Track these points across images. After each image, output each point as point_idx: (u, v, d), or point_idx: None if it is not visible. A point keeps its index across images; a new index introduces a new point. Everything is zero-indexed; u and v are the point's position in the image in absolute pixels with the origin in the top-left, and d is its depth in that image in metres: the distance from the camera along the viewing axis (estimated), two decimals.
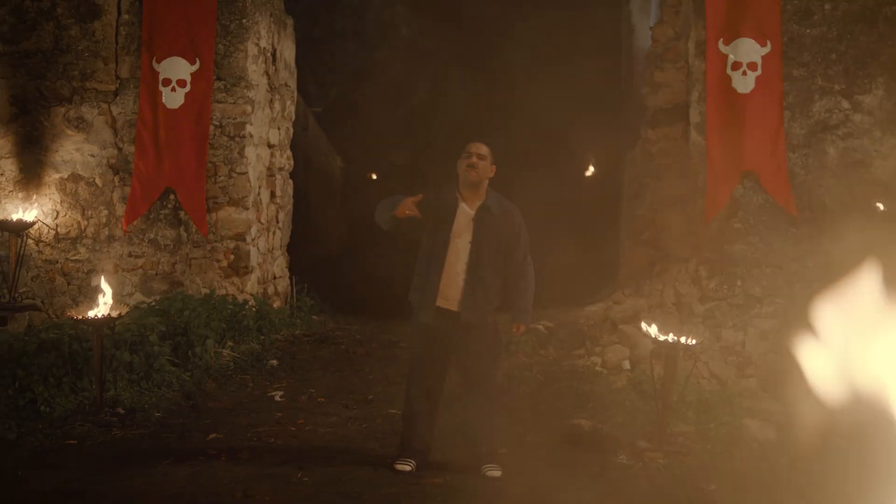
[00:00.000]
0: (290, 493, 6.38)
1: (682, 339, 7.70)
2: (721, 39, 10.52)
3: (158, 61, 11.58)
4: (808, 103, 10.52)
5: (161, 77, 11.59)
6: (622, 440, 7.88)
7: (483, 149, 7.04)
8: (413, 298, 7.12)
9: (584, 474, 7.05)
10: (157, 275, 11.71)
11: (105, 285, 8.56)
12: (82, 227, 11.78)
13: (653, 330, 7.85)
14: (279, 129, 13.28)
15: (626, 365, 10.26)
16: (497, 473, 6.88)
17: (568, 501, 6.44)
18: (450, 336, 7.01)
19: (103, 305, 8.33)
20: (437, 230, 6.97)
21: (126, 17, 11.75)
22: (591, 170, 26.00)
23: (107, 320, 8.23)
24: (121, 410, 8.25)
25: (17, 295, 11.15)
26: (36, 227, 11.64)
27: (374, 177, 33.36)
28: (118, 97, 11.77)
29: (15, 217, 11.23)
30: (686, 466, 7.28)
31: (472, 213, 7.00)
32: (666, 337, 7.73)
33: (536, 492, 6.63)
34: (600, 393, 9.52)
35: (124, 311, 8.60)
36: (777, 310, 10.35)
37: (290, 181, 14.04)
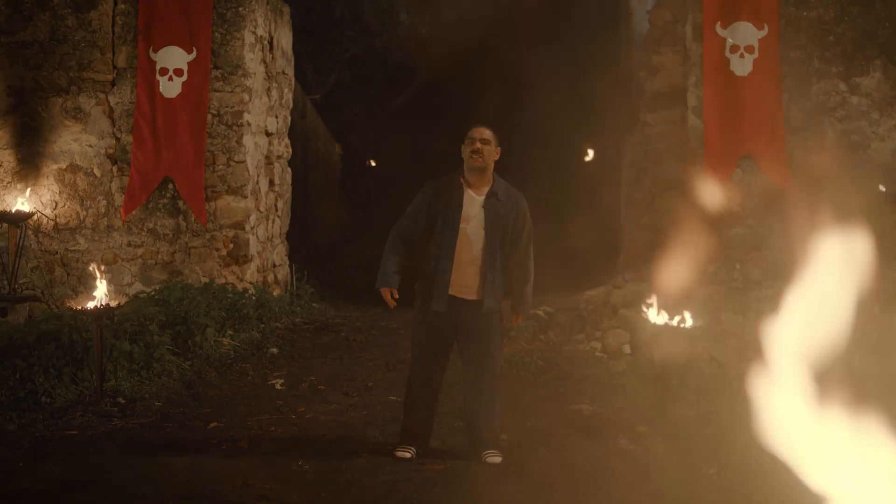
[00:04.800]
0: (291, 481, 6.38)
1: (682, 324, 7.70)
2: (718, 23, 10.51)
3: (155, 51, 11.57)
4: (806, 86, 10.51)
5: (158, 66, 11.59)
6: (622, 425, 7.88)
7: (486, 133, 6.97)
8: (420, 287, 7.10)
9: (584, 459, 7.05)
10: (156, 264, 11.72)
11: (101, 280, 8.54)
12: (81, 218, 11.78)
13: (653, 314, 7.85)
14: (277, 117, 13.28)
15: (627, 349, 10.27)
16: (498, 459, 6.87)
17: (568, 487, 6.44)
18: (456, 323, 7.00)
19: (102, 296, 8.32)
20: (446, 219, 6.94)
21: (122, 6, 11.73)
22: (590, 155, 25.95)
23: (106, 310, 8.23)
24: (121, 400, 8.26)
25: (17, 286, 11.16)
26: (35, 217, 11.64)
27: (374, 164, 33.34)
28: (115, 87, 11.76)
29: (14, 208, 11.23)
30: (686, 450, 7.28)
31: (480, 199, 6.96)
32: (666, 321, 7.73)
33: (536, 477, 6.64)
34: (600, 378, 9.53)
35: (124, 301, 8.60)
36: (777, 293, 10.31)
37: (289, 169, 14.05)
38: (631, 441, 7.47)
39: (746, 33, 10.45)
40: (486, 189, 6.98)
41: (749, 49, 10.44)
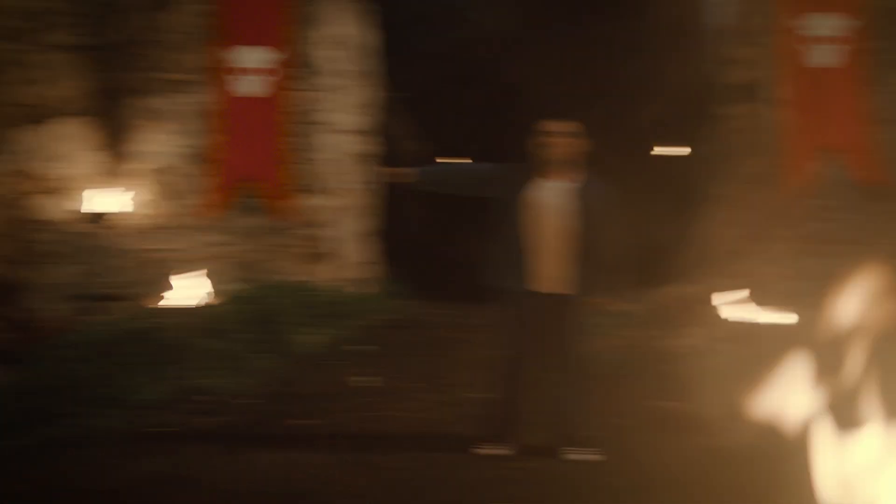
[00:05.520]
0: (374, 479, 6.41)
1: (765, 319, 7.64)
2: (797, 14, 10.36)
3: (234, 50, 11.66)
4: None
5: (237, 66, 11.67)
6: (710, 421, 7.80)
7: (562, 126, 6.90)
8: (501, 274, 6.98)
9: (671, 457, 6.98)
10: (241, 263, 11.81)
11: (191, 276, 8.68)
12: (167, 217, 11.92)
13: (738, 311, 7.79)
14: (358, 115, 13.30)
15: (711, 346, 10.17)
16: (581, 457, 6.85)
17: (654, 485, 6.40)
18: (542, 316, 6.96)
19: (190, 294, 8.44)
20: (526, 207, 6.86)
21: (200, 7, 11.84)
22: (678, 150, 25.77)
23: (193, 309, 8.34)
24: (207, 398, 8.36)
25: (105, 285, 11.33)
26: (123, 217, 11.80)
27: (460, 160, 33.34)
28: (195, 87, 11.87)
29: (104, 208, 11.41)
30: (775, 446, 7.17)
31: (560, 188, 6.87)
32: (752, 318, 7.67)
33: (620, 476, 6.60)
34: (685, 374, 9.44)
35: (211, 299, 8.71)
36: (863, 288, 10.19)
37: (374, 166, 14.06)
38: (720, 438, 7.39)
39: (825, 24, 10.30)
40: (567, 179, 6.92)
41: (829, 40, 10.29)
